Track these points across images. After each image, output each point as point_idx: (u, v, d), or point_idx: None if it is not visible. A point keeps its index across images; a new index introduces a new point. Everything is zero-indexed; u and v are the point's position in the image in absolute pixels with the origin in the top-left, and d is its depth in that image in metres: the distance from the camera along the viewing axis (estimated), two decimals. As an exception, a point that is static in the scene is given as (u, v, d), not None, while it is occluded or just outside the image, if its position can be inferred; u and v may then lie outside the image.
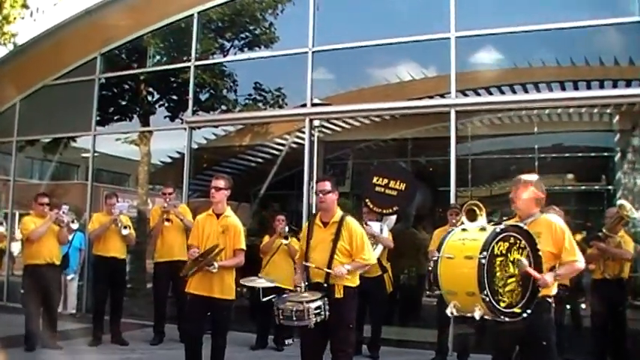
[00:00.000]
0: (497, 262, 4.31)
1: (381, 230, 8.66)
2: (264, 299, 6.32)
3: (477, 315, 4.23)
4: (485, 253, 4.20)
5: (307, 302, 5.43)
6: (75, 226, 9.06)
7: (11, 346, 8.36)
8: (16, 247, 12.52)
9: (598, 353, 7.75)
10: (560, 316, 7.82)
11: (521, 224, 4.65)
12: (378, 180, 9.00)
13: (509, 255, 4.39)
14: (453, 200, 9.12)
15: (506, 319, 4.34)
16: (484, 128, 11.49)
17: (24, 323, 8.55)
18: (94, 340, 8.89)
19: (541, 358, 4.77)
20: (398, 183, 8.89)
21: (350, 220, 5.82)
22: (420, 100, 10.70)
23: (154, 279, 9.61)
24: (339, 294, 5.58)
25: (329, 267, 5.59)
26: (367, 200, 8.98)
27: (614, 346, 7.70)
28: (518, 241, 4.45)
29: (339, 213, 5.85)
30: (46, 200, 8.70)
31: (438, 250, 4.53)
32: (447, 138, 9.57)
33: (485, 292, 4.17)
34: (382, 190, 8.93)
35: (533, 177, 5.03)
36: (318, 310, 5.43)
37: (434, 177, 12.27)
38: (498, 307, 4.27)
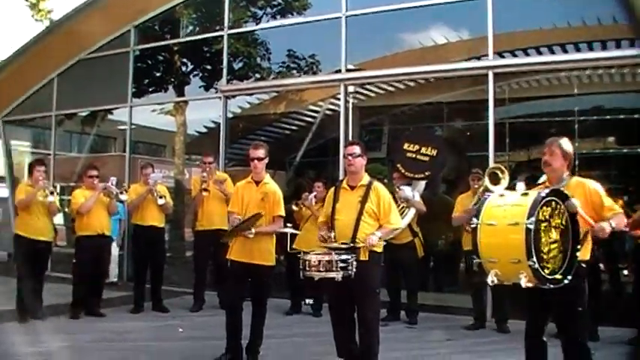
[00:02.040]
0: (542, 228, 4.19)
1: (413, 195, 8.63)
2: (291, 250, 6.34)
3: (523, 283, 4.12)
4: (532, 218, 4.07)
5: (335, 253, 5.44)
6: (124, 197, 9.14)
7: (57, 314, 8.57)
8: (58, 219, 12.71)
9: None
10: (597, 282, 7.69)
11: (561, 188, 4.53)
12: (409, 146, 8.99)
13: (551, 220, 4.27)
14: (491, 165, 9.00)
15: (551, 285, 4.25)
16: (522, 91, 11.27)
17: (70, 292, 8.76)
18: (136, 308, 9.07)
19: (575, 324, 4.70)
20: (429, 149, 8.87)
21: (378, 185, 5.88)
22: (456, 63, 10.51)
23: (195, 247, 9.76)
24: (364, 256, 5.58)
25: (356, 228, 5.61)
26: (399, 165, 8.95)
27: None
28: (558, 206, 4.34)
29: (366, 177, 5.89)
30: (95, 173, 8.83)
31: (477, 217, 4.40)
32: (484, 101, 9.44)
33: (533, 260, 4.06)
34: (413, 155, 8.90)
35: (565, 139, 4.90)
36: (345, 265, 5.42)
37: (470, 141, 12.12)
38: (543, 274, 4.16)
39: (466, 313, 8.60)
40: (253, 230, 6.17)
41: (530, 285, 4.15)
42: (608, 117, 11.35)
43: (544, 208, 4.21)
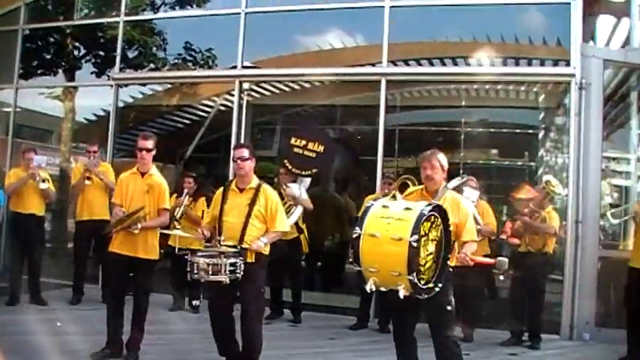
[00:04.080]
0: (422, 243, 4.38)
1: (300, 192, 8.65)
2: (179, 252, 6.22)
3: (401, 294, 4.30)
4: (416, 235, 4.26)
5: (224, 257, 5.44)
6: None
7: None
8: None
9: (515, 324, 7.99)
10: (477, 287, 8.02)
11: (440, 204, 4.75)
12: (296, 141, 8.92)
13: (429, 234, 4.48)
14: (379, 169, 9.21)
15: (426, 295, 4.47)
16: (413, 99, 11.57)
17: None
18: (11, 300, 8.68)
19: (444, 321, 5.00)
20: (316, 145, 8.82)
21: (267, 187, 5.96)
22: (351, 67, 10.68)
23: (75, 238, 9.44)
24: (250, 258, 5.65)
25: (243, 230, 5.68)
26: (285, 161, 8.90)
27: (530, 317, 7.95)
28: (435, 219, 4.55)
29: (255, 180, 5.95)
30: None
31: (359, 226, 4.52)
32: (376, 107, 9.64)
33: (413, 275, 4.24)
34: (300, 151, 8.87)
35: (441, 153, 5.29)
36: (233, 268, 5.45)
37: (361, 145, 12.33)
38: (420, 285, 4.37)
39: (351, 313, 8.80)
40: (139, 225, 6.08)
41: (407, 294, 4.33)
42: (492, 130, 11.81)
43: (425, 223, 4.40)
